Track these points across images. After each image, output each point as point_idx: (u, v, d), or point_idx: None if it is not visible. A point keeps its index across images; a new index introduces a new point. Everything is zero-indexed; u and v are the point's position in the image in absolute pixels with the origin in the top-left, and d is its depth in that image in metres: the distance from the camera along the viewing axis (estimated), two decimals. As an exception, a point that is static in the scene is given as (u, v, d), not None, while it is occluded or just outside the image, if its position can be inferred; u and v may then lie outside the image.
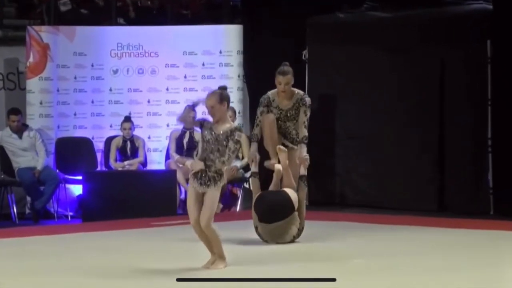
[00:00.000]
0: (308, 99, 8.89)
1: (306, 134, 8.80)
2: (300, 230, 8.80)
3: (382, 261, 7.79)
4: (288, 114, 8.91)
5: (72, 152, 12.56)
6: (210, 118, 7.48)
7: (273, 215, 8.61)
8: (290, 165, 8.86)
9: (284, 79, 8.80)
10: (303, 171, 8.84)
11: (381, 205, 12.00)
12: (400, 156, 12.11)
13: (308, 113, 8.84)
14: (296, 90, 8.96)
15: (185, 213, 11.98)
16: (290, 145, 8.92)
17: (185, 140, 12.55)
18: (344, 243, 8.94)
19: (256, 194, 8.86)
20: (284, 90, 8.81)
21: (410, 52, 12.07)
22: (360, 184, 12.53)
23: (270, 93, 8.98)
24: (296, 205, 8.70)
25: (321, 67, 12.82)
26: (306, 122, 8.81)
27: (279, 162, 8.88)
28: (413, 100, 12.06)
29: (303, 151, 8.78)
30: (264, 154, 9.03)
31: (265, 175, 9.40)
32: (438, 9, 11.90)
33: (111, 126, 12.80)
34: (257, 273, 7.20)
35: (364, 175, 12.51)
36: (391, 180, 12.17)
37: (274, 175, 8.97)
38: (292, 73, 8.86)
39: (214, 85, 12.43)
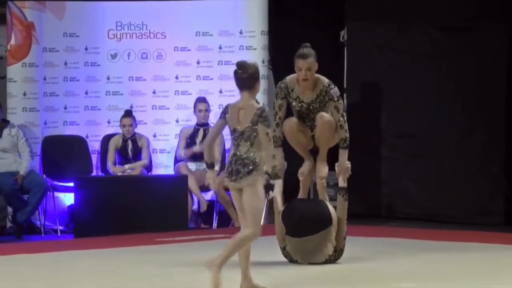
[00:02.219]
0: (334, 91, 8.68)
1: (345, 135, 8.65)
2: (338, 252, 8.78)
3: (436, 286, 7.78)
4: (311, 107, 8.75)
5: (62, 154, 12.64)
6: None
7: (306, 227, 8.58)
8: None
9: (305, 63, 8.57)
10: (341, 182, 8.76)
11: (436, 218, 12.18)
12: (459, 159, 12.29)
13: (341, 107, 8.68)
14: (320, 78, 8.71)
15: (197, 227, 12.08)
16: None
17: (198, 139, 12.62)
18: (391, 263, 8.93)
19: (278, 213, 8.77)
20: (306, 77, 8.61)
21: (472, 30, 12.25)
22: (411, 193, 12.67)
23: (289, 79, 8.78)
24: (335, 218, 8.65)
25: (364, 50, 12.98)
26: (341, 120, 8.65)
27: (314, 165, 8.90)
28: (475, 90, 12.24)
29: (342, 158, 8.68)
30: (292, 159, 8.96)
31: (295, 184, 9.35)
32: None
33: (108, 122, 12.93)
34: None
35: (416, 181, 12.65)
36: (449, 188, 12.31)
37: (301, 185, 8.94)
38: (315, 56, 8.61)
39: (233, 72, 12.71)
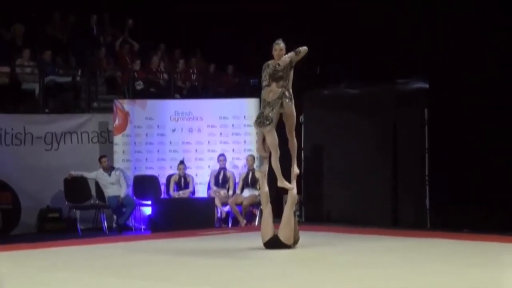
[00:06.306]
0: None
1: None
2: (296, 241, 8.54)
3: (351, 256, 8.00)
4: (282, 68, 8.28)
5: (144, 185, 12.58)
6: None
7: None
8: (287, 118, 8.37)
9: (278, 46, 8.36)
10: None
11: (354, 220, 11.90)
12: (366, 187, 12.08)
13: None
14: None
15: (220, 226, 12.14)
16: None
17: (220, 176, 12.56)
18: (330, 246, 8.97)
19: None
20: (278, 54, 8.33)
21: (374, 115, 12.17)
22: (340, 206, 12.43)
23: (269, 61, 8.44)
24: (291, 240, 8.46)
25: (313, 126, 12.87)
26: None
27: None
28: (376, 147, 12.12)
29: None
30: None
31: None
32: (392, 86, 11.91)
33: (170, 167, 12.73)
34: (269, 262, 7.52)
35: (342, 199, 12.37)
36: (361, 203, 12.11)
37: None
38: (283, 44, 8.39)
39: (241, 139, 12.70)
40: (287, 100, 8.37)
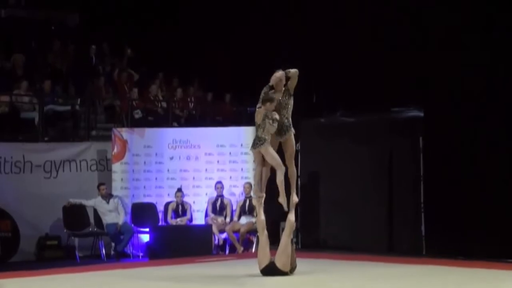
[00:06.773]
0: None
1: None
2: (293, 268, 8.50)
3: (348, 283, 8.06)
4: (280, 100, 8.37)
5: (142, 212, 12.58)
6: None
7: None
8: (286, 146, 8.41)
9: (278, 74, 8.42)
10: (293, 261, 8.49)
11: (350, 247, 11.91)
12: (362, 214, 12.07)
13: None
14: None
15: (217, 253, 12.13)
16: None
17: (218, 204, 12.58)
18: (326, 273, 8.99)
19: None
20: (277, 83, 8.38)
21: (369, 143, 12.19)
22: (336, 232, 12.43)
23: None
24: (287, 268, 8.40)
25: (309, 154, 12.89)
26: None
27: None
28: (371, 176, 12.10)
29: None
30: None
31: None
32: (387, 114, 11.96)
33: (168, 195, 12.73)
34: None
35: (338, 226, 12.39)
36: (357, 230, 12.12)
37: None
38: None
39: (238, 167, 12.71)
40: (271, 122, 8.33)
